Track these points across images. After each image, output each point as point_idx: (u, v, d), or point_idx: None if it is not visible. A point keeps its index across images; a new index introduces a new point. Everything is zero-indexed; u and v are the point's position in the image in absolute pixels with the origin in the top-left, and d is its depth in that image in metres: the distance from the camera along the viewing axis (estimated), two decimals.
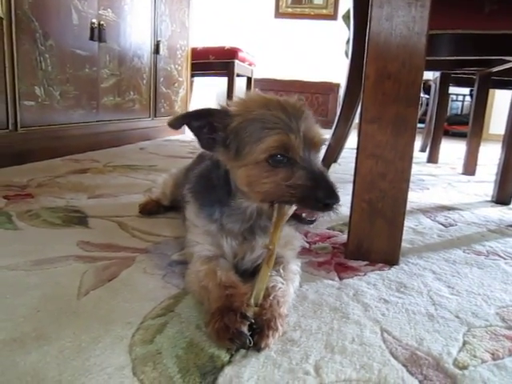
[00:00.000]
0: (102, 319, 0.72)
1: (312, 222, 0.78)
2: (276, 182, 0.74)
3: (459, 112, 6.66)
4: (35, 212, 1.29)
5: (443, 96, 3.04)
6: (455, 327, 0.77)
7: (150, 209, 1.34)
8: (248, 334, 0.65)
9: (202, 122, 0.81)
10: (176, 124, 0.81)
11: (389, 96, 0.99)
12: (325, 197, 0.72)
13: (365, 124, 1.01)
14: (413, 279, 0.97)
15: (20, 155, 2.00)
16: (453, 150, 3.90)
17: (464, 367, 0.65)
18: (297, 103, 0.80)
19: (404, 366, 0.65)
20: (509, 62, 2.01)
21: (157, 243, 1.10)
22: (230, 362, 0.63)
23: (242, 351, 0.65)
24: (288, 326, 0.73)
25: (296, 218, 0.77)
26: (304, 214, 0.77)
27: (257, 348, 0.65)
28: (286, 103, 0.78)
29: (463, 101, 6.68)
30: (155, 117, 3.31)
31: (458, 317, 0.81)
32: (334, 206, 0.73)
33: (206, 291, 0.76)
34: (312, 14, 6.46)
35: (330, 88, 6.10)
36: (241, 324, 0.66)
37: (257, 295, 0.71)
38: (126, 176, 1.94)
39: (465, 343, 0.72)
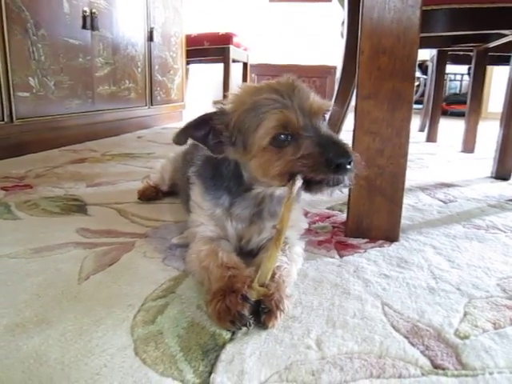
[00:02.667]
0: (103, 302, 0.72)
1: (337, 184, 0.73)
2: (286, 160, 0.73)
3: (458, 91, 6.61)
4: (34, 202, 1.29)
5: (440, 75, 3.01)
6: (456, 299, 0.77)
7: (149, 194, 1.34)
8: (249, 316, 0.65)
9: (205, 129, 0.80)
10: (180, 140, 0.81)
11: (384, 71, 0.98)
12: (335, 157, 0.69)
13: (361, 100, 1.00)
14: (413, 254, 0.97)
15: (17, 147, 2.00)
16: (452, 129, 3.88)
17: (465, 337, 0.65)
18: (288, 80, 0.79)
19: (405, 337, 0.65)
20: (506, 36, 1.99)
21: (156, 228, 1.10)
22: (231, 339, 0.63)
23: (244, 329, 0.65)
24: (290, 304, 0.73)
25: (326, 183, 0.73)
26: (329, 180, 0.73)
27: (264, 327, 0.66)
28: (276, 84, 0.77)
29: (461, 80, 6.62)
30: (152, 105, 3.29)
31: (458, 289, 0.81)
32: (349, 167, 0.70)
33: (207, 271, 0.76)
34: None
35: (326, 71, 6.05)
36: (242, 306, 0.65)
37: (263, 275, 0.70)
38: (124, 164, 1.94)
39: (466, 314, 0.72)
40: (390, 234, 1.05)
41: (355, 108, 1.02)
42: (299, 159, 0.71)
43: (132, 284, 0.79)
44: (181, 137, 0.81)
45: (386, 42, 0.97)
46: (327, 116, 0.80)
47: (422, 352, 0.62)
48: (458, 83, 6.67)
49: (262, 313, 0.66)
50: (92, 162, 1.97)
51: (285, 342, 0.63)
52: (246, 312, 0.65)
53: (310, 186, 0.74)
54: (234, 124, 0.77)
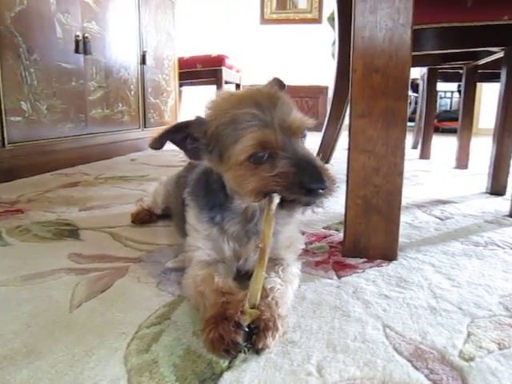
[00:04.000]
0: (95, 331, 0.69)
1: (311, 201, 0.72)
2: (261, 177, 0.71)
3: (448, 108, 6.69)
4: (25, 227, 1.27)
5: (431, 92, 3.04)
6: (458, 319, 0.75)
7: (142, 218, 1.32)
8: (243, 344, 0.63)
9: (182, 134, 0.79)
10: (157, 144, 0.79)
11: (377, 90, 0.98)
12: (308, 181, 0.68)
13: (355, 119, 1.00)
14: (412, 273, 0.96)
15: (8, 172, 1.98)
16: (444, 145, 3.91)
17: (470, 359, 0.63)
18: (270, 91, 0.78)
19: (409, 360, 0.63)
20: (494, 53, 2.02)
21: (150, 252, 1.08)
22: (229, 367, 0.61)
23: (242, 355, 0.63)
24: (288, 327, 0.71)
25: (298, 202, 0.72)
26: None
27: (255, 349, 0.63)
28: (258, 95, 0.75)
29: (451, 97, 6.72)
30: (145, 127, 3.29)
31: (460, 308, 0.79)
32: (321, 191, 0.69)
33: (203, 297, 0.74)
34: (297, 18, 6.49)
35: (318, 91, 6.11)
36: (235, 334, 0.63)
37: (252, 296, 0.68)
38: (117, 187, 1.92)
39: (469, 334, 0.70)
40: (387, 252, 1.04)
41: (349, 127, 1.02)
42: (274, 177, 0.70)
43: (125, 311, 0.76)
44: (157, 142, 0.79)
45: (378, 60, 0.97)
46: (306, 133, 0.78)
47: (426, 376, 0.59)
48: (449, 100, 6.76)
49: (253, 334, 0.64)
50: (85, 185, 1.95)
51: (284, 368, 0.61)
52: (239, 339, 0.63)
53: (283, 203, 0.72)
54: (212, 134, 0.76)
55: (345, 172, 1.06)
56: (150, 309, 0.77)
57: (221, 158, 0.76)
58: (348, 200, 1.04)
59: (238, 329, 0.63)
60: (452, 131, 5.70)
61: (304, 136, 0.77)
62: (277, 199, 0.71)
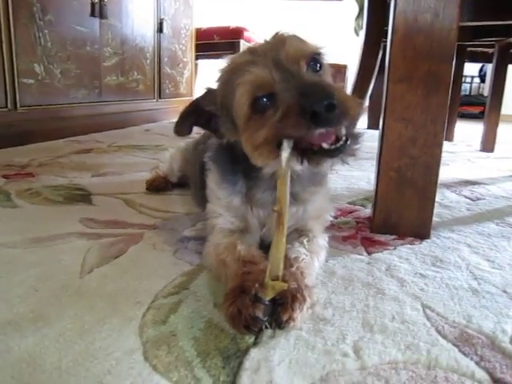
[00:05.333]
0: (107, 298, 0.64)
1: (338, 148, 0.60)
2: (267, 126, 0.61)
3: (468, 93, 6.51)
4: (36, 190, 1.21)
5: (458, 72, 2.91)
6: (504, 303, 0.68)
7: (158, 185, 1.26)
8: (264, 318, 0.56)
9: (205, 115, 0.73)
10: (181, 129, 0.74)
11: (420, 52, 0.89)
12: (309, 103, 0.55)
13: (392, 84, 0.92)
14: (448, 253, 0.89)
15: (20, 136, 1.92)
16: (465, 129, 3.78)
17: None
18: (276, 36, 0.67)
19: (455, 345, 0.56)
20: None
21: (166, 219, 1.02)
22: (255, 343, 0.55)
23: (270, 330, 0.57)
24: (316, 299, 0.65)
25: (319, 152, 0.60)
26: (324, 144, 0.60)
27: (278, 322, 0.57)
28: (257, 45, 0.67)
29: (471, 82, 6.52)
30: (160, 98, 3.21)
31: (505, 291, 0.72)
32: (331, 114, 0.55)
33: (224, 266, 0.68)
34: None
35: (337, 69, 5.96)
36: (254, 308, 0.56)
37: (274, 266, 0.59)
38: (131, 155, 1.86)
39: None
40: (420, 230, 0.96)
41: (386, 93, 0.93)
42: (278, 121, 0.59)
43: (140, 279, 0.70)
44: (181, 126, 0.74)
45: (422, 19, 0.88)
46: (319, 61, 0.66)
47: (476, 363, 0.53)
48: (468, 85, 6.56)
49: (278, 307, 0.58)
50: (98, 152, 1.90)
51: (317, 348, 0.54)
52: (259, 314, 0.56)
53: (304, 155, 0.61)
54: (220, 101, 0.69)
55: (366, 150, 0.98)
56: (166, 277, 0.71)
57: (233, 123, 0.68)
58: (380, 172, 0.96)
59: (256, 303, 0.56)
60: (472, 116, 5.55)
61: (316, 67, 0.66)
62: (287, 150, 0.60)
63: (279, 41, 0.65)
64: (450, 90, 2.58)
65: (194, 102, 0.74)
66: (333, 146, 0.59)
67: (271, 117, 0.61)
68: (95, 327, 0.56)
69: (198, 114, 0.74)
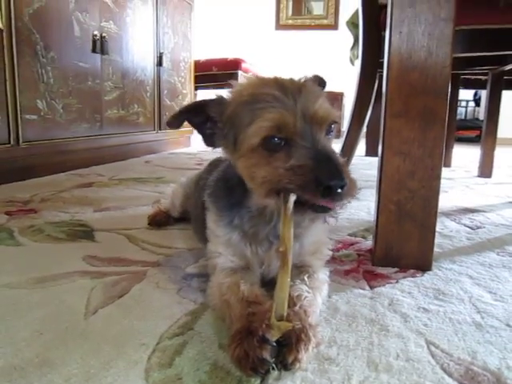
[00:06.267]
0: (112, 341, 0.64)
1: (327, 209, 0.64)
2: (274, 168, 0.64)
3: (463, 117, 6.58)
4: (38, 227, 1.22)
5: (453, 99, 2.96)
6: (508, 337, 0.69)
7: (160, 220, 1.27)
8: (271, 360, 0.56)
9: (202, 116, 0.73)
10: (174, 122, 0.74)
11: (415, 88, 0.91)
12: (326, 177, 0.59)
13: (390, 119, 0.94)
14: (450, 285, 0.89)
15: (23, 171, 1.94)
16: (462, 154, 3.82)
17: None
18: (298, 80, 0.71)
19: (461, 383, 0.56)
20: None
21: (168, 256, 1.02)
22: None
23: (276, 372, 0.57)
24: (321, 338, 0.65)
25: (311, 207, 0.64)
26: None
27: (284, 364, 0.57)
28: (283, 80, 0.69)
29: (466, 106, 6.60)
30: (160, 130, 3.25)
31: (508, 325, 0.72)
32: (339, 191, 0.59)
33: (228, 306, 0.68)
34: (313, 24, 6.43)
35: (333, 97, 6.04)
36: (261, 350, 0.56)
37: (279, 306, 0.60)
38: (132, 188, 1.87)
39: None
40: (421, 262, 0.97)
41: (383, 127, 0.95)
42: (288, 171, 0.62)
43: (145, 319, 0.70)
44: (176, 119, 0.74)
45: (416, 56, 0.90)
46: (334, 128, 0.70)
47: None
48: (464, 109, 6.65)
49: (283, 348, 0.58)
50: (99, 186, 1.91)
51: None
52: (266, 356, 0.56)
53: (297, 205, 0.64)
54: (229, 115, 0.69)
55: (364, 178, 1.00)
56: (171, 317, 0.71)
57: (235, 143, 0.69)
58: (380, 205, 0.97)
59: (263, 344, 0.57)
60: (467, 140, 5.61)
61: (330, 132, 0.69)
62: (293, 197, 0.63)
63: (311, 93, 0.67)
64: (447, 117, 2.60)
65: (200, 101, 0.74)
66: (325, 206, 0.63)
67: (279, 160, 0.63)
68: (101, 372, 0.56)
69: (197, 112, 0.74)
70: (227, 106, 0.70)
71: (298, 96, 0.65)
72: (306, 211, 0.65)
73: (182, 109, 0.74)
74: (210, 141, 0.75)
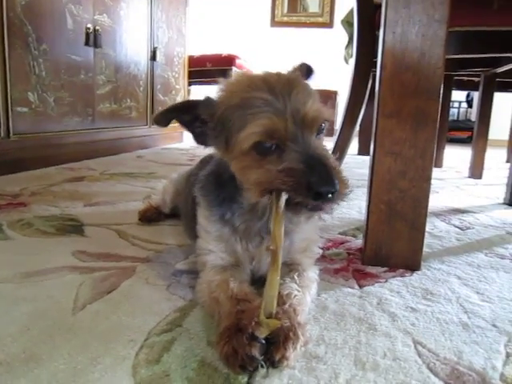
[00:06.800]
0: (100, 336, 0.63)
1: (319, 208, 0.64)
2: (266, 170, 0.64)
3: (456, 118, 6.62)
4: (27, 221, 1.21)
5: (445, 100, 2.97)
6: (494, 337, 0.69)
7: (150, 216, 1.26)
8: (260, 357, 0.56)
9: (191, 115, 0.73)
10: (162, 119, 0.74)
11: (408, 88, 0.92)
12: (318, 183, 0.60)
13: (382, 119, 0.94)
14: (438, 285, 0.90)
15: (13, 164, 1.92)
16: (454, 154, 3.84)
17: None
18: (290, 76, 0.71)
19: (446, 383, 0.57)
20: None
21: (158, 252, 1.02)
22: (248, 383, 0.55)
23: (263, 370, 0.57)
24: (309, 336, 0.65)
25: (303, 206, 0.64)
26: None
27: (271, 362, 0.57)
28: (275, 80, 0.68)
29: (459, 107, 6.64)
30: (152, 125, 3.24)
31: (494, 326, 0.73)
32: (330, 196, 0.61)
33: (217, 304, 0.68)
34: (308, 22, 6.43)
35: (327, 95, 6.04)
36: (250, 347, 0.56)
37: (268, 304, 0.60)
38: (123, 183, 1.86)
39: (508, 355, 0.64)
40: (410, 262, 0.97)
41: (375, 127, 0.96)
42: (280, 173, 0.63)
43: (133, 315, 0.70)
44: (163, 117, 0.73)
45: (409, 57, 0.91)
46: (324, 126, 0.70)
47: None
48: (456, 110, 6.69)
49: (271, 346, 0.58)
50: (90, 180, 1.90)
51: None
52: (255, 353, 0.56)
53: (289, 204, 0.64)
54: (219, 117, 0.69)
55: (356, 177, 1.00)
56: (159, 314, 0.71)
57: (227, 144, 0.69)
58: (371, 205, 0.97)
59: (253, 341, 0.57)
60: (459, 141, 5.65)
61: (321, 131, 0.69)
62: (284, 196, 0.63)
63: (301, 92, 0.67)
64: (439, 118, 2.62)
65: (188, 101, 0.74)
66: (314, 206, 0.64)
67: (271, 163, 0.64)
68: (88, 367, 0.56)
69: (185, 111, 0.73)
70: (217, 107, 0.70)
71: (288, 98, 0.65)
72: (298, 210, 0.66)
73: (170, 107, 0.74)
74: (200, 139, 0.75)
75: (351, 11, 2.82)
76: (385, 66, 0.93)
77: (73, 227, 1.18)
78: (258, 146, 0.65)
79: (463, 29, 1.66)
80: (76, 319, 0.68)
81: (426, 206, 0.95)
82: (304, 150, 0.63)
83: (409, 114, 0.92)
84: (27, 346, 0.60)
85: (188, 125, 0.74)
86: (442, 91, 0.92)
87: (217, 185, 0.79)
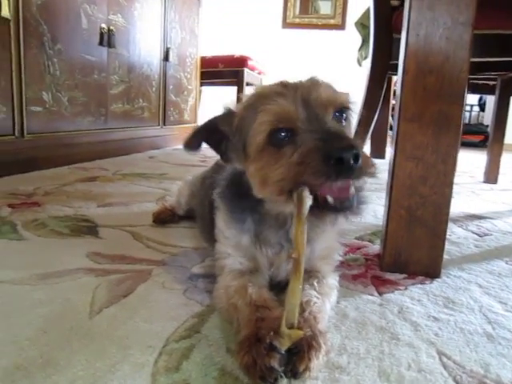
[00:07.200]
0: (118, 342, 0.62)
1: (344, 207, 0.60)
2: (283, 165, 0.60)
3: (467, 122, 6.56)
4: (42, 221, 1.20)
5: None
6: None
7: (165, 217, 1.25)
8: (280, 368, 0.55)
9: (217, 135, 0.72)
10: (192, 144, 0.72)
11: (430, 92, 0.90)
12: (336, 149, 0.55)
13: (404, 123, 0.92)
14: (459, 294, 0.87)
15: (26, 163, 1.93)
16: (466, 159, 3.80)
17: None
18: (310, 79, 0.68)
19: None
20: None
21: (174, 255, 1.01)
22: None
23: (285, 380, 0.55)
24: (331, 346, 0.64)
25: (326, 208, 0.60)
26: (330, 199, 0.59)
27: (294, 373, 0.55)
28: (291, 81, 0.67)
29: (471, 111, 6.58)
30: (164, 125, 3.24)
31: None
32: (355, 165, 0.55)
33: (236, 310, 0.67)
34: (320, 24, 6.40)
35: None
36: (269, 358, 0.54)
37: (290, 314, 0.58)
38: (136, 184, 1.86)
39: None
40: (430, 269, 0.95)
41: (396, 131, 0.94)
42: (299, 164, 0.58)
43: (151, 320, 0.69)
44: (193, 140, 0.72)
45: (433, 60, 0.89)
46: (347, 115, 0.67)
47: None
48: (468, 114, 6.63)
49: (293, 356, 0.56)
50: (103, 180, 1.90)
51: None
52: (275, 364, 0.54)
53: (313, 208, 0.60)
54: (236, 124, 0.68)
55: (370, 181, 0.98)
56: (177, 319, 0.69)
57: (244, 149, 0.67)
58: (390, 210, 0.95)
59: (271, 352, 0.55)
60: (471, 145, 5.58)
61: (342, 117, 0.66)
62: (309, 200, 0.59)
63: (314, 83, 0.66)
64: None
65: (211, 119, 0.73)
66: (339, 203, 0.60)
67: (288, 154, 0.61)
68: (107, 375, 0.55)
69: (211, 131, 0.72)
70: (235, 115, 0.69)
71: (300, 86, 0.64)
72: (324, 214, 0.62)
73: (196, 130, 0.73)
74: (226, 156, 0.74)
75: (366, 13, 2.80)
76: (407, 69, 0.91)
77: (87, 228, 1.17)
78: (273, 138, 0.62)
79: (482, 32, 1.63)
80: (93, 323, 0.67)
81: (447, 212, 0.93)
82: (319, 127, 0.60)
83: (431, 119, 0.90)
84: (44, 350, 0.59)
85: (216, 146, 0.73)
86: (465, 96, 0.90)
87: (238, 193, 0.77)
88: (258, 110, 0.63)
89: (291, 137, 0.61)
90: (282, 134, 0.62)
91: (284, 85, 0.66)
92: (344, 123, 0.67)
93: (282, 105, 0.61)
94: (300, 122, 0.61)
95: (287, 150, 0.61)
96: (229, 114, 0.71)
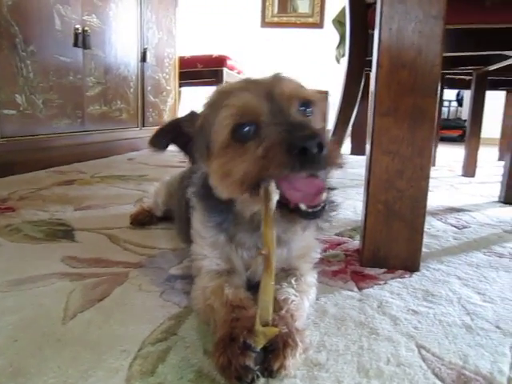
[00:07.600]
0: (92, 347, 0.61)
1: (315, 213, 0.58)
2: (252, 158, 0.58)
3: (446, 117, 6.65)
4: (16, 226, 1.17)
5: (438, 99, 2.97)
6: (499, 340, 0.67)
7: (142, 219, 1.23)
8: (255, 367, 0.53)
9: (183, 137, 0.71)
10: (156, 144, 0.71)
11: (404, 86, 0.90)
12: (299, 139, 0.53)
13: (379, 117, 0.92)
14: (438, 286, 0.88)
15: (1, 167, 1.88)
16: (445, 153, 3.85)
17: None
18: (274, 75, 0.67)
19: None
20: (509, 57, 1.95)
21: (151, 256, 0.99)
22: None
23: (263, 379, 0.54)
24: (309, 343, 0.63)
25: (295, 211, 0.59)
26: (302, 204, 0.57)
27: (269, 371, 0.54)
28: (253, 78, 0.67)
29: (449, 106, 6.68)
30: (143, 126, 3.20)
31: (498, 327, 0.71)
32: (319, 154, 0.54)
33: (212, 311, 0.66)
34: (298, 22, 6.42)
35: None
36: (244, 357, 0.53)
37: (263, 311, 0.57)
38: (115, 187, 1.83)
39: None
40: (409, 263, 0.96)
41: (372, 126, 0.94)
42: (263, 157, 0.57)
43: (126, 324, 0.67)
44: (156, 140, 0.71)
45: (406, 54, 0.89)
46: (312, 109, 0.66)
47: None
48: (446, 109, 6.71)
49: (269, 354, 0.55)
50: (80, 184, 1.86)
51: None
52: (250, 363, 0.53)
53: (280, 210, 0.58)
54: (199, 123, 0.67)
55: (350, 177, 0.98)
56: (153, 322, 0.68)
57: (207, 147, 0.65)
58: (368, 205, 0.95)
59: (246, 351, 0.54)
60: (450, 139, 5.67)
61: (306, 111, 0.65)
62: (276, 195, 0.57)
63: (277, 78, 0.66)
64: None
65: (174, 120, 0.73)
66: (311, 210, 0.58)
67: (252, 149, 0.59)
68: (79, 381, 0.53)
69: (176, 133, 0.71)
70: (199, 115, 0.69)
71: (263, 82, 0.64)
72: (295, 219, 0.60)
73: (158, 130, 0.72)
74: (193, 158, 0.73)
75: (342, 11, 2.81)
76: (381, 63, 0.91)
77: (63, 232, 1.14)
78: (236, 133, 0.61)
79: (455, 27, 1.65)
80: (66, 329, 0.65)
81: (425, 205, 0.93)
82: (283, 120, 0.59)
83: (406, 112, 0.90)
84: (14, 358, 0.57)
85: (183, 148, 0.73)
86: (439, 89, 0.90)
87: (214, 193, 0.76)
88: (221, 106, 0.62)
89: (255, 131, 0.60)
90: (246, 129, 0.60)
91: (248, 80, 0.66)
92: (310, 116, 0.66)
93: (244, 99, 0.61)
94: (264, 116, 0.60)
95: (251, 144, 0.59)
96: (192, 115, 0.70)
